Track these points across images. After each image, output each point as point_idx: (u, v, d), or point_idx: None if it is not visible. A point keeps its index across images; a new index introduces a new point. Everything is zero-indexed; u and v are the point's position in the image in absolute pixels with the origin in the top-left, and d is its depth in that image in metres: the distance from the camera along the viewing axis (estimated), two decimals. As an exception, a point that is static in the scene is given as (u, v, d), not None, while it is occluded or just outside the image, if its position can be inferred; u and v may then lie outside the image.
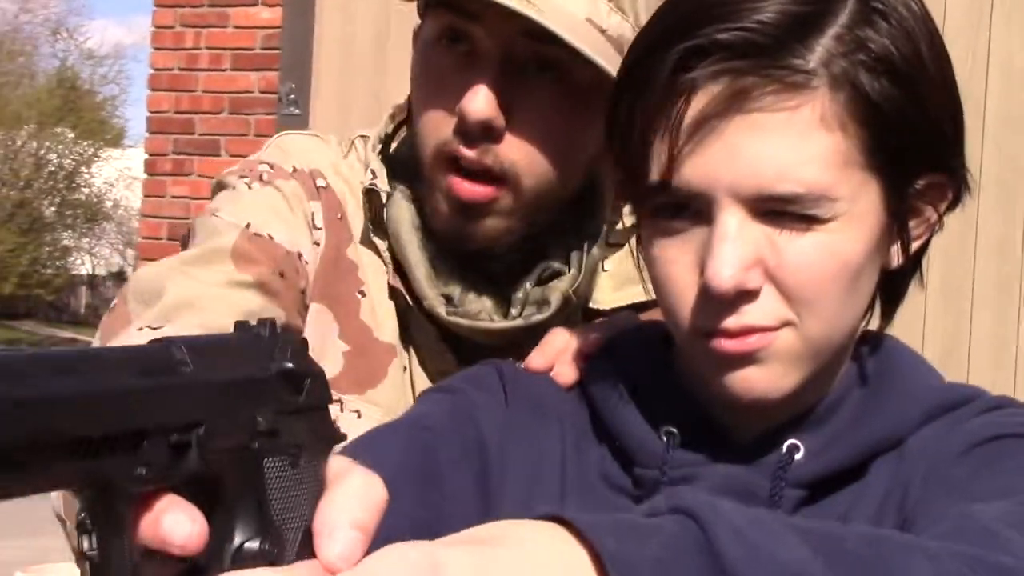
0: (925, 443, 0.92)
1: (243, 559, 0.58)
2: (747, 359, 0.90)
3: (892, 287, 0.98)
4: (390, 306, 1.36)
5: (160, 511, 0.54)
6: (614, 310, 1.39)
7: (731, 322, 0.89)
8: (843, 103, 0.86)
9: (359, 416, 1.29)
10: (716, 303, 0.89)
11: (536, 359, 1.10)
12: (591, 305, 1.39)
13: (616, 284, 1.40)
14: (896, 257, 0.94)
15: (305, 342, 0.64)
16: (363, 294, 1.35)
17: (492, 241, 1.29)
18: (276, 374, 0.61)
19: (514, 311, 1.33)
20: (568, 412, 1.03)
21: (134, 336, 1.10)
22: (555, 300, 1.31)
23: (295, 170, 1.36)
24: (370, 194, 1.34)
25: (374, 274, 1.36)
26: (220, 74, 5.37)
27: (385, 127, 1.42)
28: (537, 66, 1.25)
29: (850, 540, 0.68)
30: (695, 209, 0.90)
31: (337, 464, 0.63)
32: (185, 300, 1.16)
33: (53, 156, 25.55)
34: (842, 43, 0.87)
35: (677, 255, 0.91)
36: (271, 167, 1.36)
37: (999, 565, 0.70)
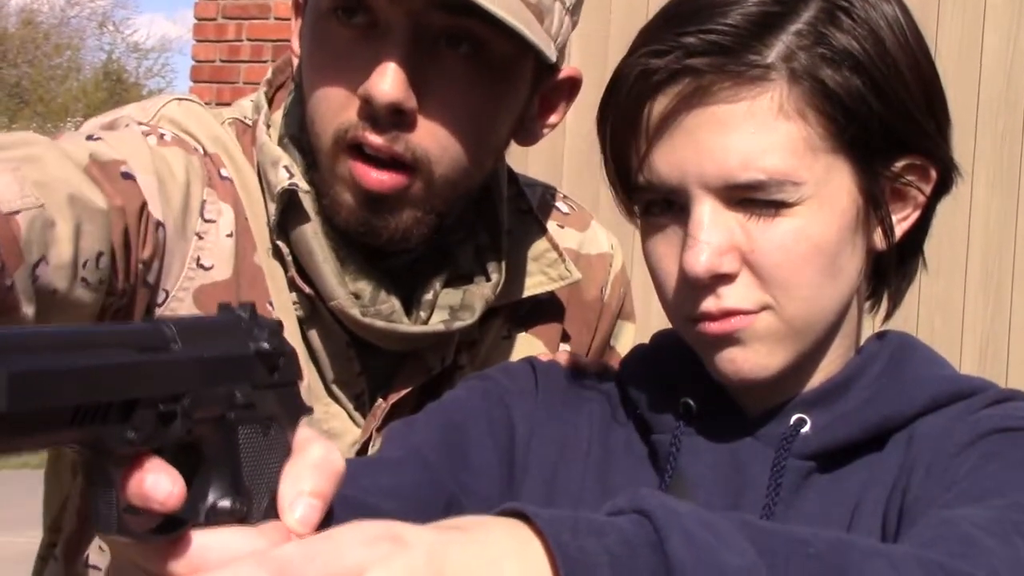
0: (932, 430, 0.94)
1: (216, 515, 0.65)
2: (730, 340, 0.95)
3: (882, 270, 1.01)
4: (292, 318, 1.19)
5: (145, 472, 0.60)
6: (532, 297, 1.29)
7: (711, 305, 0.94)
8: (802, 93, 0.91)
9: None
10: (696, 289, 0.94)
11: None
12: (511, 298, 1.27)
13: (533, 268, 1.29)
14: (880, 239, 0.97)
15: (280, 324, 0.70)
16: (272, 305, 1.19)
17: (402, 235, 1.14)
18: (254, 353, 0.68)
19: (423, 314, 1.20)
20: (598, 399, 1.07)
21: None
22: (479, 307, 1.21)
23: (199, 151, 1.18)
24: (286, 194, 1.16)
25: (274, 282, 1.19)
26: (261, 65, 5.41)
27: (262, 110, 1.22)
28: (450, 39, 1.10)
29: (814, 544, 0.70)
30: (676, 204, 0.95)
31: (302, 434, 0.69)
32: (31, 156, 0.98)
33: (99, 149, 25.77)
34: (802, 38, 0.92)
35: (665, 249, 0.97)
36: (174, 136, 1.17)
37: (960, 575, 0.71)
